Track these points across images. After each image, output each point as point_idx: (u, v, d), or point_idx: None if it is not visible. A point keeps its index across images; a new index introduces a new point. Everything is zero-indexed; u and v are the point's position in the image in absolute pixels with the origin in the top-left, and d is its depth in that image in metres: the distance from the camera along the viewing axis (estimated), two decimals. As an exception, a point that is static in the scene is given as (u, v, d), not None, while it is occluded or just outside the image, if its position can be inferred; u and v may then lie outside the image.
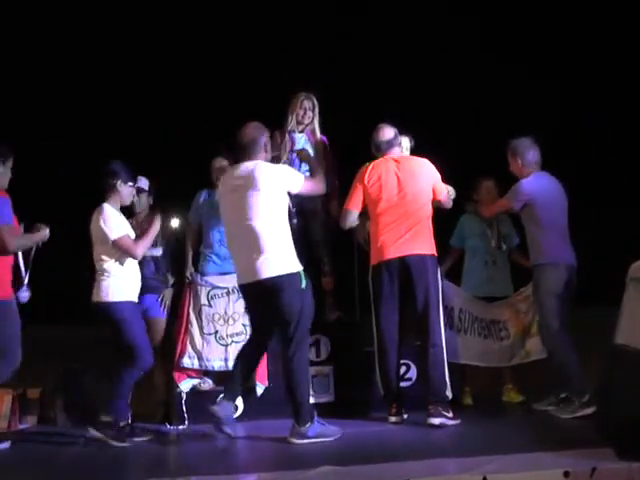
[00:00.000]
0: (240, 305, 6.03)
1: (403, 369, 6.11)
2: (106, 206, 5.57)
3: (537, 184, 5.94)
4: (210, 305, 6.05)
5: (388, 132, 5.89)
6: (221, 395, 5.28)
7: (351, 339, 6.15)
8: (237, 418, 5.92)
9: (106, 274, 5.51)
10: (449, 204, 5.98)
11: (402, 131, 6.09)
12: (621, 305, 4.74)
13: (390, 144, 5.86)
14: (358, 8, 10.47)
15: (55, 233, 5.62)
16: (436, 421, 5.48)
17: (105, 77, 10.59)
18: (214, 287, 6.06)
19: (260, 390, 5.98)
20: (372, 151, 5.92)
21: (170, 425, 5.82)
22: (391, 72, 10.39)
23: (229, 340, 6.01)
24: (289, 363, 5.21)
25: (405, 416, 5.66)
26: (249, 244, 5.19)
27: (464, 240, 6.57)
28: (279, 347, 5.39)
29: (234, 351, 5.94)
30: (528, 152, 6.03)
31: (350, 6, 10.52)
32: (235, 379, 5.35)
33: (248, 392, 5.96)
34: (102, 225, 5.50)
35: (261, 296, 5.23)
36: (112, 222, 5.52)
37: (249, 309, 5.53)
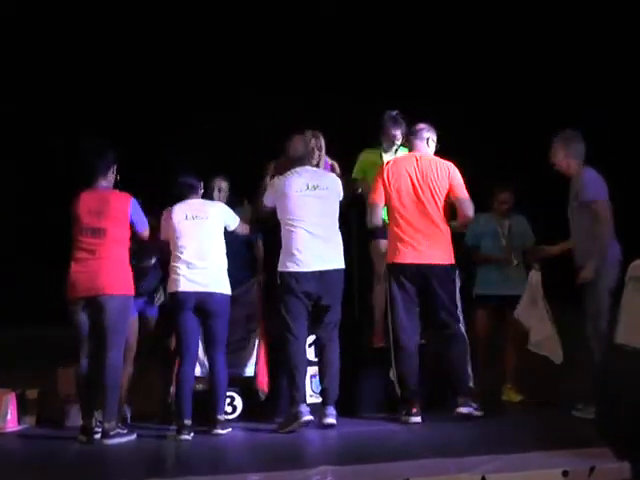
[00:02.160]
0: (242, 311, 6.03)
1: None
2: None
3: (599, 177, 5.69)
4: None
5: (420, 124, 5.92)
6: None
7: (350, 339, 6.14)
8: (236, 418, 5.96)
9: (223, 267, 5.74)
10: (468, 210, 5.81)
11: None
12: (620, 305, 4.73)
13: (414, 134, 5.88)
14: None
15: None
16: (465, 410, 5.57)
17: (106, 77, 10.60)
18: None
19: (262, 396, 5.98)
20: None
21: (169, 425, 5.80)
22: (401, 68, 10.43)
23: (232, 347, 5.97)
24: (331, 344, 5.69)
25: None
26: (327, 237, 5.72)
27: (479, 239, 6.58)
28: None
29: (237, 358, 5.97)
30: (578, 145, 5.80)
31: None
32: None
33: (251, 393, 6.00)
34: (229, 217, 5.88)
35: (325, 283, 5.65)
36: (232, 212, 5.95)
37: (301, 296, 5.64)
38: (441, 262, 5.72)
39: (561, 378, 6.39)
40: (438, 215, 5.75)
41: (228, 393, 5.91)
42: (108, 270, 5.54)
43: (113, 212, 5.57)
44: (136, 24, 10.53)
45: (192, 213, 5.76)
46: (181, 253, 5.69)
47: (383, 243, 6.33)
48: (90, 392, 5.53)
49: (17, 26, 10.45)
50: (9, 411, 5.98)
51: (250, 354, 6.05)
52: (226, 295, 5.72)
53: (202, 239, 5.72)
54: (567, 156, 5.79)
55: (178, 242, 5.72)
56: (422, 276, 5.69)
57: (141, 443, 5.50)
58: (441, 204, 5.76)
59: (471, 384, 5.75)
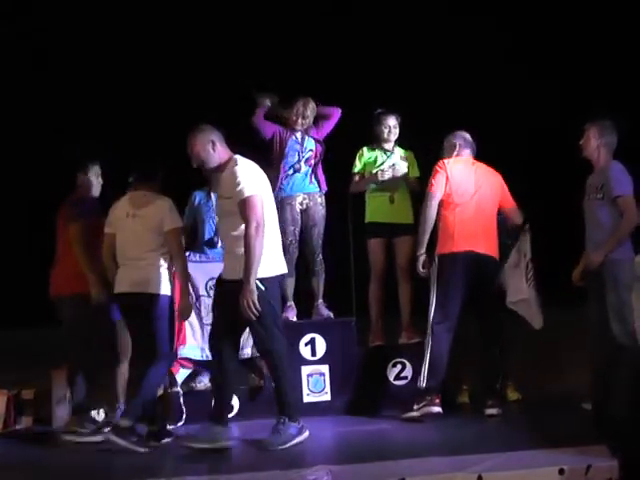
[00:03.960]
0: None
1: (398, 367, 6.12)
2: None
3: (626, 172, 5.51)
4: (209, 295, 6.01)
5: (464, 137, 6.07)
6: None
7: (347, 338, 6.14)
8: (232, 418, 5.94)
9: (160, 266, 5.38)
10: (518, 218, 6.03)
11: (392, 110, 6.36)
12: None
13: (466, 146, 6.02)
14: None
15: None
16: (495, 412, 5.67)
17: (99, 70, 10.54)
18: (213, 277, 6.03)
19: (260, 382, 5.98)
20: (446, 150, 6.05)
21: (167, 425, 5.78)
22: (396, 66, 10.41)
23: None
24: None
25: None
26: None
27: None
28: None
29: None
30: (611, 136, 5.58)
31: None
32: None
33: (252, 391, 6.02)
34: (170, 214, 5.42)
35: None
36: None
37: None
38: (494, 255, 5.86)
39: (559, 377, 6.40)
40: (492, 213, 5.91)
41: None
42: (59, 271, 5.68)
43: (70, 214, 5.67)
44: (134, 21, 10.50)
45: (133, 210, 5.42)
46: (119, 252, 5.43)
47: (380, 242, 6.36)
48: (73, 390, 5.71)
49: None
50: (5, 411, 5.97)
51: (249, 335, 5.99)
52: (164, 295, 5.35)
53: (140, 238, 5.36)
54: (599, 146, 5.59)
55: (117, 241, 5.46)
56: (477, 265, 5.74)
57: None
58: (494, 206, 5.94)
59: (498, 385, 5.91)
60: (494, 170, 6.07)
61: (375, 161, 6.39)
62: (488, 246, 5.86)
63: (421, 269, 5.92)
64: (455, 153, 6.04)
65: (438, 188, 5.85)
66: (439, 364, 5.68)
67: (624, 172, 5.48)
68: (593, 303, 5.58)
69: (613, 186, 5.37)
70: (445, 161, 5.95)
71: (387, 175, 6.27)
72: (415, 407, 5.63)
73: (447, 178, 5.86)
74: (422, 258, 5.91)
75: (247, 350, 6.03)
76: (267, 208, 5.11)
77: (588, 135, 5.60)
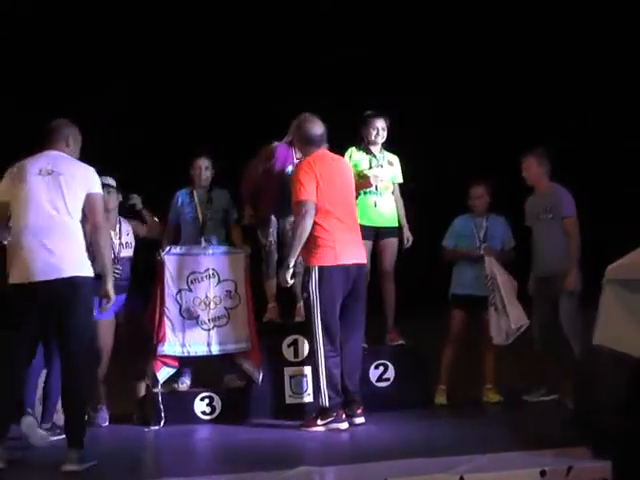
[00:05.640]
0: (221, 289, 6.01)
1: (380, 369, 6.14)
2: None
3: (570, 194, 6.33)
4: (190, 290, 6.00)
5: (321, 125, 5.69)
6: None
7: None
8: (215, 419, 5.94)
9: None
10: None
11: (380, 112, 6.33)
12: (598, 307, 4.77)
13: (324, 137, 5.69)
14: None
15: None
16: (362, 420, 5.55)
17: (92, 70, 10.46)
18: (194, 272, 6.02)
19: (260, 377, 5.94)
20: (300, 143, 5.74)
21: (148, 426, 5.77)
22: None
23: (211, 324, 5.95)
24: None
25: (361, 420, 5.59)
26: None
27: (456, 240, 6.61)
28: None
29: (216, 335, 5.93)
30: (548, 161, 6.41)
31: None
32: None
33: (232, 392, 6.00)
34: None
35: None
36: None
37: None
38: (365, 261, 5.77)
39: (540, 379, 6.44)
40: (355, 213, 5.79)
41: (206, 394, 5.92)
42: None
43: None
44: (126, 23, 10.43)
45: None
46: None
47: (364, 245, 6.36)
48: None
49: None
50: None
51: (231, 331, 5.99)
52: None
53: None
54: (540, 172, 6.39)
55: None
56: (356, 274, 5.59)
57: (117, 443, 5.46)
58: (355, 203, 5.87)
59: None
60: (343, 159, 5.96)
61: (363, 163, 6.34)
62: (362, 253, 5.71)
63: (289, 280, 5.60)
64: (314, 149, 5.64)
65: (312, 194, 5.46)
66: (337, 381, 5.50)
67: (569, 194, 6.32)
68: (544, 306, 6.28)
69: (563, 208, 6.25)
70: (310, 161, 5.57)
71: (379, 181, 6.23)
72: (320, 422, 5.47)
73: (317, 182, 5.50)
74: (292, 271, 5.57)
75: (228, 346, 6.01)
76: (17, 209, 4.73)
77: (528, 166, 6.41)
